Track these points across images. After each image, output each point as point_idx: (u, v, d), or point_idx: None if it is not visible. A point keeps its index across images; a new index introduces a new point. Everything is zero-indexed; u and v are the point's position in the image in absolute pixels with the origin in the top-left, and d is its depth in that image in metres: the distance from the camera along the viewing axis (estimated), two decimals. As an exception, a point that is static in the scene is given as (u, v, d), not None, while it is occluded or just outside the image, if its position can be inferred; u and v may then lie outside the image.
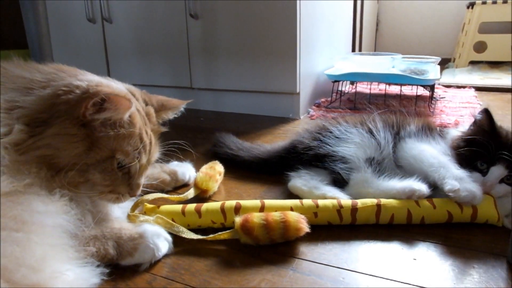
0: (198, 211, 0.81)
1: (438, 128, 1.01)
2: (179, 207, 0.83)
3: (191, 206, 0.82)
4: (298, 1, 1.55)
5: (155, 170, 1.01)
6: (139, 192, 0.75)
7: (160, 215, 0.80)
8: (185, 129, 1.60)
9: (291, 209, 0.80)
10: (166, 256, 0.72)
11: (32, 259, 0.49)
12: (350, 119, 1.04)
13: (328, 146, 0.95)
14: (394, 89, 2.15)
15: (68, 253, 0.57)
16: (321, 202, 0.81)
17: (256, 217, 0.73)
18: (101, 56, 2.05)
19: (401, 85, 1.90)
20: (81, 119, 0.62)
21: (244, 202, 0.82)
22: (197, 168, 1.05)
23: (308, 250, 0.74)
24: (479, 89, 2.27)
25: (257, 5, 1.62)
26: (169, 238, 0.73)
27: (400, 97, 1.90)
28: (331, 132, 0.98)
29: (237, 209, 0.80)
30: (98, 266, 0.63)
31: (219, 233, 0.76)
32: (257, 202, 0.82)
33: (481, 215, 0.79)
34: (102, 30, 2.01)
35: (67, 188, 0.62)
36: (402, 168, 0.93)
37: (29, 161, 0.59)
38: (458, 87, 2.33)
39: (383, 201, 0.81)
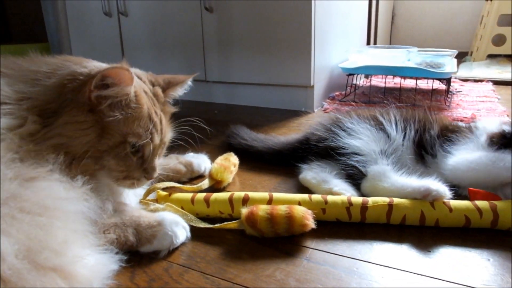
0: (207, 201, 0.82)
1: (465, 125, 0.98)
2: (189, 196, 0.84)
3: (201, 196, 0.83)
4: (313, -6, 1.54)
5: (171, 161, 1.03)
6: (155, 174, 0.76)
7: (170, 203, 0.81)
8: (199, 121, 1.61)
9: (299, 203, 0.79)
10: (182, 244, 0.74)
11: (55, 242, 0.51)
12: (363, 112, 1.03)
13: (339, 138, 0.95)
14: (409, 83, 2.13)
15: (89, 239, 0.59)
16: (330, 198, 0.80)
17: (262, 210, 0.74)
18: (117, 49, 2.08)
19: (416, 78, 1.88)
20: (87, 103, 0.64)
21: (252, 194, 0.82)
22: (212, 159, 1.07)
23: (322, 241, 0.74)
24: (497, 83, 2.23)
25: (271, -2, 1.62)
26: (187, 226, 0.75)
27: (415, 91, 1.88)
28: (342, 124, 0.98)
29: (245, 201, 0.81)
30: (117, 253, 0.65)
31: (226, 223, 0.77)
32: (265, 195, 0.82)
33: (503, 222, 0.74)
34: (118, 24, 2.03)
35: (84, 175, 0.64)
36: (422, 165, 0.92)
37: (45, 150, 0.61)
38: (476, 81, 2.29)
39: (395, 200, 0.78)
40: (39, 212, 0.52)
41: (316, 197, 0.81)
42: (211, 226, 0.77)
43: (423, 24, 3.56)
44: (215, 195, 0.83)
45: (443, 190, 0.77)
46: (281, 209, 0.73)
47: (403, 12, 3.61)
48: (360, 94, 1.95)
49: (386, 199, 0.78)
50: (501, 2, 2.89)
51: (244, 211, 0.75)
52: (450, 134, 0.92)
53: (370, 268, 0.66)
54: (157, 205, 0.81)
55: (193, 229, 0.76)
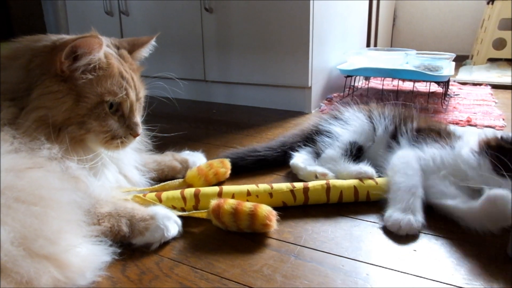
0: (159, 198, 0.83)
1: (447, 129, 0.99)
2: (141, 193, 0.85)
3: (152, 194, 0.84)
4: (311, -5, 1.56)
5: (167, 158, 1.04)
6: (140, 130, 0.79)
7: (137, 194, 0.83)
8: (198, 120, 1.63)
9: (248, 192, 0.84)
10: (173, 239, 0.75)
11: (49, 231, 0.53)
12: (362, 106, 1.10)
13: (329, 124, 1.05)
14: (408, 85, 2.14)
15: (83, 228, 0.61)
16: (276, 184, 0.87)
17: (228, 204, 0.76)
18: (118, 48, 2.09)
19: (414, 81, 1.89)
20: (61, 75, 0.66)
21: (204, 189, 0.85)
22: (209, 158, 1.09)
23: (310, 238, 0.76)
24: (495, 86, 2.24)
25: (271, -1, 1.64)
26: (179, 221, 0.77)
27: (412, 93, 1.89)
28: (338, 112, 1.08)
29: (196, 195, 0.83)
30: (110, 245, 0.67)
31: (195, 211, 0.80)
32: (215, 188, 0.85)
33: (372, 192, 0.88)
34: (120, 23, 2.06)
35: (74, 143, 0.68)
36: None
37: (33, 128, 0.63)
38: (474, 84, 2.30)
39: (332, 181, 0.88)
40: (34, 202, 0.54)
41: (263, 185, 0.87)
42: (181, 213, 0.79)
43: (425, 27, 3.57)
44: (167, 193, 0.84)
45: (371, 171, 0.91)
46: (246, 206, 0.76)
47: (405, 15, 3.62)
48: (358, 95, 1.97)
49: (324, 181, 0.88)
50: (502, 6, 2.90)
51: (213, 203, 0.77)
52: (426, 134, 0.94)
53: (356, 266, 0.68)
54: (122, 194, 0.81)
55: (184, 224, 0.78)
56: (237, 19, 1.74)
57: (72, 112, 0.68)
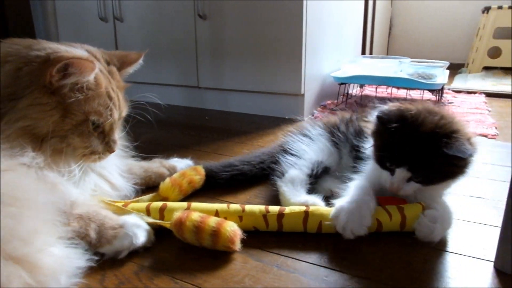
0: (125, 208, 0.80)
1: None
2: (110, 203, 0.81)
3: (120, 203, 0.81)
4: (304, 2, 1.56)
5: (154, 165, 1.03)
6: (117, 147, 0.80)
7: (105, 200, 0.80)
8: (190, 127, 1.62)
9: (217, 212, 0.78)
10: (154, 248, 0.74)
11: (24, 231, 0.53)
12: (331, 121, 1.04)
13: (297, 142, 0.99)
14: (402, 93, 2.14)
15: (58, 228, 0.60)
16: (248, 207, 0.79)
17: (190, 221, 0.71)
18: (112, 54, 2.09)
19: (408, 89, 1.89)
20: (48, 87, 0.67)
21: (171, 203, 0.81)
22: (198, 165, 1.07)
23: (295, 249, 0.74)
24: (490, 95, 2.24)
25: (264, 6, 1.64)
26: (149, 229, 0.75)
27: (406, 101, 1.89)
28: (305, 131, 1.02)
29: (162, 210, 0.79)
30: (86, 251, 0.66)
31: (161, 221, 0.77)
32: (183, 204, 0.80)
33: (410, 223, 0.76)
34: (114, 29, 2.05)
35: (54, 155, 0.67)
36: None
37: (15, 135, 0.63)
38: (469, 92, 2.30)
39: (312, 208, 0.78)
40: (10, 203, 0.54)
41: (234, 206, 0.80)
42: (151, 221, 0.76)
43: (421, 35, 3.58)
44: (132, 205, 0.81)
45: (319, 203, 0.82)
46: (209, 224, 0.71)
47: (401, 23, 3.64)
48: (352, 103, 1.96)
49: (303, 207, 0.78)
50: (497, 15, 2.91)
51: (175, 216, 0.73)
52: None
53: (338, 277, 0.66)
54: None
55: (166, 233, 0.76)
56: (231, 26, 1.74)
57: (57, 125, 0.69)
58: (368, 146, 0.85)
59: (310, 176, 0.91)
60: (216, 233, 0.70)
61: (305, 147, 0.98)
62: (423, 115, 0.74)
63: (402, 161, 0.74)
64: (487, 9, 2.98)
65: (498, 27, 2.94)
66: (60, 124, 0.68)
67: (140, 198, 0.88)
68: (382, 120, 0.76)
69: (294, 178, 0.90)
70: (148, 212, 0.80)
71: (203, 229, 0.71)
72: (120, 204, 0.80)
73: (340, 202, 0.76)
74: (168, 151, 1.20)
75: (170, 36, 1.91)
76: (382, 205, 0.79)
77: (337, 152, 0.96)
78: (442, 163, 0.72)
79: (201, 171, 0.98)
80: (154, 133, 1.53)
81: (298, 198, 0.84)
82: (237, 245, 0.72)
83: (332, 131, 0.99)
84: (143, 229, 0.73)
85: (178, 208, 0.78)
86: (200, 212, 0.76)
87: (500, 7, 2.91)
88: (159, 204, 0.81)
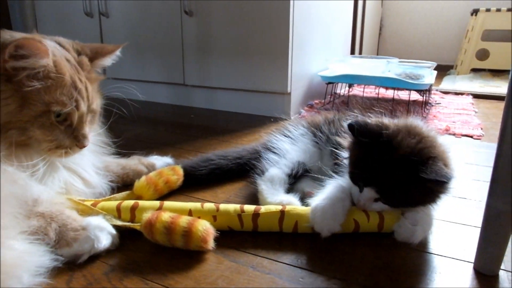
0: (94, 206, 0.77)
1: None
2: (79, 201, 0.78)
3: (89, 202, 0.78)
4: (291, 2, 1.54)
5: (133, 162, 1.01)
6: (87, 142, 0.75)
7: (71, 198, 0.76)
8: (175, 125, 1.60)
9: (190, 211, 0.76)
10: (126, 248, 0.72)
11: None
12: (314, 121, 1.02)
13: (280, 141, 0.97)
14: (390, 93, 2.14)
15: (20, 222, 0.57)
16: (222, 206, 0.77)
17: (160, 222, 0.69)
18: (97, 50, 2.06)
19: (394, 89, 1.88)
20: (3, 73, 0.63)
21: (143, 202, 0.78)
22: (178, 163, 1.04)
23: (272, 250, 0.72)
24: (477, 96, 2.25)
25: (251, 4, 1.62)
26: (113, 232, 0.71)
27: (393, 101, 1.89)
28: (288, 131, 1.00)
29: (133, 209, 0.77)
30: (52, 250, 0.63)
31: (131, 223, 0.74)
32: (156, 203, 0.78)
33: (388, 224, 0.75)
34: (99, 25, 2.02)
35: (15, 148, 0.64)
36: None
37: None
38: (456, 93, 2.31)
39: (288, 207, 0.76)
40: None
41: (208, 205, 0.78)
42: (121, 223, 0.74)
43: (411, 36, 3.59)
44: (102, 203, 0.79)
45: (295, 203, 0.81)
46: (180, 224, 0.68)
47: (391, 24, 3.64)
48: (339, 103, 1.95)
49: (279, 207, 0.76)
50: (485, 17, 2.93)
51: (145, 218, 0.70)
52: None
53: (315, 278, 0.64)
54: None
55: (138, 233, 0.73)
56: (217, 23, 1.71)
57: (15, 116, 0.64)
58: (343, 157, 0.82)
59: (290, 175, 0.90)
60: (187, 233, 0.68)
61: (287, 146, 0.96)
62: (401, 136, 0.70)
63: (371, 181, 0.71)
64: (475, 12, 3.00)
65: (486, 29, 2.95)
66: (18, 114, 0.64)
67: (113, 196, 0.85)
68: (353, 131, 0.73)
69: (274, 177, 0.88)
70: (118, 211, 0.77)
71: (174, 230, 0.68)
72: (89, 203, 0.77)
73: (316, 201, 0.74)
74: (149, 148, 1.17)
75: (156, 32, 1.88)
76: None
77: (318, 152, 0.95)
78: (414, 189, 0.68)
79: (179, 171, 0.95)
80: (137, 130, 1.51)
81: (274, 197, 0.82)
82: (210, 245, 0.69)
83: (314, 132, 0.98)
84: (107, 232, 0.70)
85: (149, 208, 0.76)
86: (173, 211, 0.73)
87: (488, 10, 2.93)
88: (131, 203, 0.78)
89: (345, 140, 0.81)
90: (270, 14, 1.59)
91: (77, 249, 0.66)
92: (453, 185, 0.71)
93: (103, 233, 0.69)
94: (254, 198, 0.91)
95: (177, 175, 0.94)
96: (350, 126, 0.73)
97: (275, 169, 0.90)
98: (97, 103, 0.80)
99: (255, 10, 1.61)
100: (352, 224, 0.75)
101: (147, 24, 1.89)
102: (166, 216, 0.70)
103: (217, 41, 1.74)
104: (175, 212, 0.73)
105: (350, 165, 0.76)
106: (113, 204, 0.78)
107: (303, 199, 0.83)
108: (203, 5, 1.72)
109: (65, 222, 0.67)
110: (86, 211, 0.75)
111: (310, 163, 0.93)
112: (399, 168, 0.68)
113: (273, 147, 0.97)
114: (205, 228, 0.69)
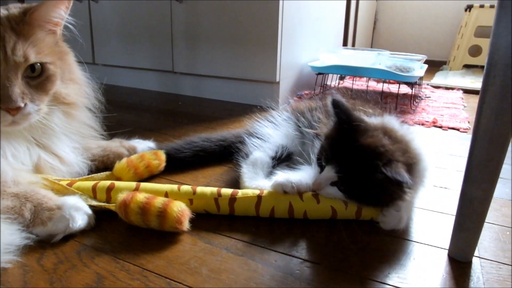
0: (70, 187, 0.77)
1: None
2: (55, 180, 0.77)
3: (65, 181, 0.78)
4: (282, -11, 1.53)
5: (113, 144, 1.00)
6: (14, 104, 0.65)
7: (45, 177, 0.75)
8: (162, 112, 1.58)
9: (166, 194, 0.75)
10: (102, 228, 0.71)
11: None
12: (299, 107, 1.02)
13: (263, 127, 0.98)
14: (380, 87, 2.13)
15: None
16: (199, 189, 0.76)
17: (135, 203, 0.68)
18: (86, 35, 2.03)
19: (383, 81, 1.88)
20: None
21: (119, 183, 0.77)
22: (161, 148, 1.03)
23: (248, 232, 0.72)
24: (467, 91, 2.25)
25: (241, -9, 1.60)
26: (90, 212, 0.71)
27: (382, 93, 1.88)
28: (272, 117, 1.01)
29: (109, 189, 0.76)
30: (24, 230, 0.62)
31: (106, 204, 0.74)
32: (132, 184, 0.77)
33: (366, 212, 0.75)
34: (88, 9, 1.99)
35: None
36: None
37: None
38: (447, 88, 2.31)
39: (265, 192, 0.76)
40: None
41: (185, 187, 0.77)
42: (96, 204, 0.73)
43: (405, 31, 3.58)
44: (79, 183, 0.78)
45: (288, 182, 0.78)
46: (155, 205, 0.68)
47: (386, 18, 3.63)
48: (329, 94, 1.94)
49: (256, 191, 0.76)
50: (478, 13, 2.93)
51: (120, 198, 0.70)
52: None
53: (288, 261, 0.64)
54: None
55: (114, 214, 0.72)
56: (207, 10, 1.69)
57: None
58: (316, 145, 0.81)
59: (274, 158, 0.90)
60: (162, 214, 0.67)
61: (270, 131, 0.97)
62: (374, 130, 0.71)
63: (333, 159, 0.71)
64: (469, 7, 2.99)
65: (479, 25, 2.95)
66: None
67: (91, 176, 0.84)
68: (335, 106, 0.73)
69: (257, 160, 0.88)
70: (94, 192, 0.76)
71: (149, 211, 0.68)
72: (64, 183, 0.76)
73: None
74: (133, 133, 1.16)
75: (145, 18, 1.86)
76: None
77: (300, 137, 0.94)
78: (369, 182, 0.68)
79: (162, 156, 0.94)
80: (123, 116, 1.49)
81: (252, 182, 0.82)
82: (185, 226, 0.69)
83: (298, 117, 0.98)
84: (83, 212, 0.69)
85: (125, 189, 0.75)
86: (149, 193, 0.72)
87: (482, 6, 2.93)
88: (107, 183, 0.77)
89: (324, 126, 0.81)
90: (259, 2, 1.57)
91: (52, 228, 0.65)
92: (409, 193, 0.69)
93: (79, 213, 0.68)
94: (235, 182, 0.91)
95: (159, 160, 0.93)
96: (334, 101, 0.73)
97: (259, 152, 0.91)
98: (19, 53, 0.67)
99: (246, -2, 1.60)
100: (329, 211, 0.74)
101: (136, 9, 1.87)
102: (141, 196, 0.69)
103: (206, 29, 1.72)
104: (151, 194, 0.72)
105: (320, 148, 0.76)
106: (89, 184, 0.77)
107: None
108: (193, -9, 1.69)
109: (40, 201, 0.66)
110: (61, 191, 0.75)
111: (293, 146, 0.93)
112: (361, 156, 0.68)
113: (257, 133, 0.97)
114: (180, 210, 0.68)
